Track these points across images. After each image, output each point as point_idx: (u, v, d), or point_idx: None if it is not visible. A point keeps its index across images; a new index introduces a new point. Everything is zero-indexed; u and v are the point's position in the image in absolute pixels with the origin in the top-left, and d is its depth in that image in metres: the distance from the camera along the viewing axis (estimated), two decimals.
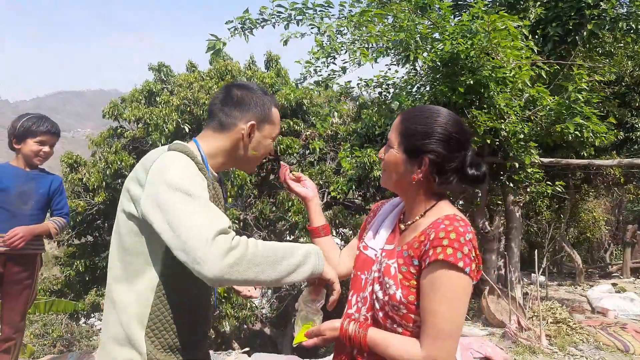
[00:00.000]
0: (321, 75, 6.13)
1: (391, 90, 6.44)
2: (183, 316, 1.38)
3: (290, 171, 1.75)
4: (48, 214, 3.18)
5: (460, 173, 1.31)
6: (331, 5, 5.65)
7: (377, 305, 1.32)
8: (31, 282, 3.03)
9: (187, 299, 1.40)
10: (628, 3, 5.93)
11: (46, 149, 3.01)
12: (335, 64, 5.90)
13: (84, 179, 9.77)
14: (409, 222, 1.37)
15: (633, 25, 5.54)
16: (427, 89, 6.03)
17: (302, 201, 1.74)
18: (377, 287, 1.33)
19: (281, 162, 1.80)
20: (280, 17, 5.67)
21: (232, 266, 1.18)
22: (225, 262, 1.17)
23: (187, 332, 1.40)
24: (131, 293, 1.34)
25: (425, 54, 5.08)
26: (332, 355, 1.40)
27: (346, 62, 5.88)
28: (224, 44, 5.39)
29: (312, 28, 5.55)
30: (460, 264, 1.18)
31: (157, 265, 1.34)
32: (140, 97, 10.60)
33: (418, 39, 4.86)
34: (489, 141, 5.30)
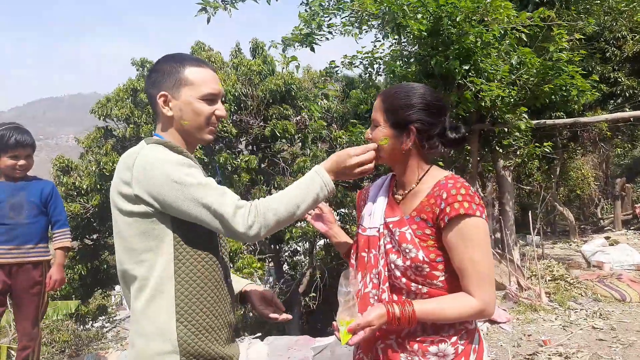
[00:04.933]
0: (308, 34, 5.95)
1: (375, 66, 6.42)
2: (208, 295, 1.39)
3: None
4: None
5: (443, 137, 1.45)
6: None
7: (397, 273, 1.39)
8: (40, 288, 3.04)
9: (208, 279, 1.40)
10: None
11: (21, 162, 2.95)
12: (323, 31, 5.83)
13: (77, 183, 9.72)
14: (406, 192, 1.47)
15: None
16: (412, 61, 6.02)
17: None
18: (393, 257, 1.40)
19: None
20: None
21: (261, 229, 1.35)
22: (253, 231, 1.33)
23: (217, 311, 1.41)
24: (151, 289, 1.34)
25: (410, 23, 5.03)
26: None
27: (332, 27, 5.79)
28: (216, 7, 5.30)
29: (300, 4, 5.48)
30: (478, 213, 1.33)
31: (169, 255, 1.35)
32: (126, 96, 10.49)
33: (405, 7, 4.85)
34: (482, 106, 5.32)
